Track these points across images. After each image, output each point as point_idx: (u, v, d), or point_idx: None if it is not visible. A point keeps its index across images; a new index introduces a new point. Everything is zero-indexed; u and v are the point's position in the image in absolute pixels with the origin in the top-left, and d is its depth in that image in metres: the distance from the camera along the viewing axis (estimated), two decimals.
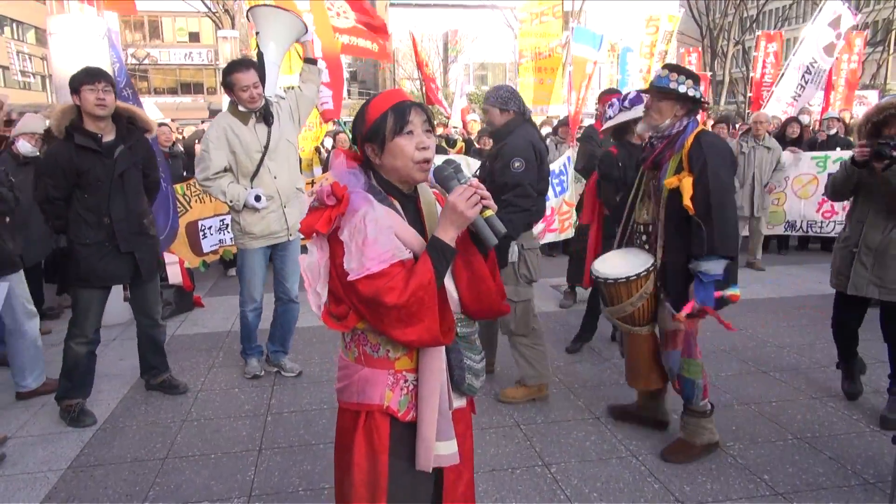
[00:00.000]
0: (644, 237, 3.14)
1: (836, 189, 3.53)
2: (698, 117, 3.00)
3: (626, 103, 4.16)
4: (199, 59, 40.24)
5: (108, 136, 3.48)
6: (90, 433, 3.45)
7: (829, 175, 7.42)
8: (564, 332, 5.07)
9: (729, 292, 2.83)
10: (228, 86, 3.80)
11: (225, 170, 3.85)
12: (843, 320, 3.78)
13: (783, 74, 9.62)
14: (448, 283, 1.68)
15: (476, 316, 1.75)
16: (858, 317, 3.72)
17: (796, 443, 3.25)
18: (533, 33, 9.80)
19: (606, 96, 5.65)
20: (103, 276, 3.51)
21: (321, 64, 6.09)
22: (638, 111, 4.08)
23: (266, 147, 3.87)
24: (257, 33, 4.28)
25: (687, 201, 2.78)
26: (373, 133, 1.63)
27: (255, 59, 4.17)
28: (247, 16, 4.73)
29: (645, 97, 4.11)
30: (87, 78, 3.33)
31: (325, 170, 7.94)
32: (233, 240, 4.12)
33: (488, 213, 1.59)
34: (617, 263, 3.16)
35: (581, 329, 4.74)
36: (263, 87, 3.88)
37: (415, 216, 1.70)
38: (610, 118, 4.26)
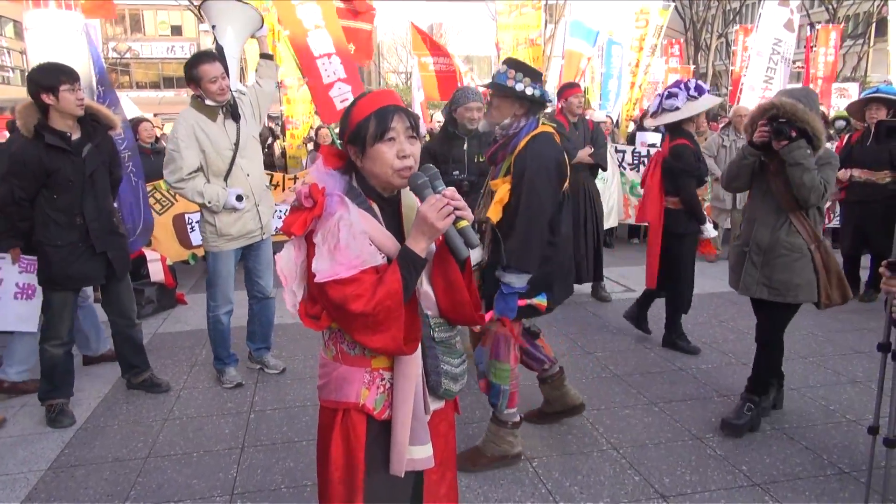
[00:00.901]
0: (479, 235, 3.02)
1: (731, 176, 3.38)
2: (539, 118, 2.85)
3: (694, 91, 4.16)
4: (181, 52, 39.74)
5: (76, 135, 3.40)
6: (71, 433, 3.43)
7: None
8: (545, 326, 5.10)
9: (535, 301, 2.76)
10: (194, 79, 3.66)
11: (197, 169, 3.69)
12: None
13: (748, 64, 9.69)
14: (428, 286, 1.67)
15: (453, 322, 1.74)
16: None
17: (774, 433, 3.30)
18: (512, 25, 9.78)
19: (567, 91, 5.67)
20: (77, 278, 3.47)
21: (335, 60, 6.04)
22: (707, 101, 4.25)
23: (237, 144, 3.77)
24: (213, 27, 4.21)
25: (493, 209, 2.72)
26: (355, 136, 1.62)
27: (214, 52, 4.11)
28: (199, 10, 4.66)
29: (705, 86, 4.32)
30: (66, 78, 3.25)
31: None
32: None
33: (462, 223, 1.58)
34: None
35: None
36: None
37: (394, 221, 1.70)
38: (677, 109, 4.16)
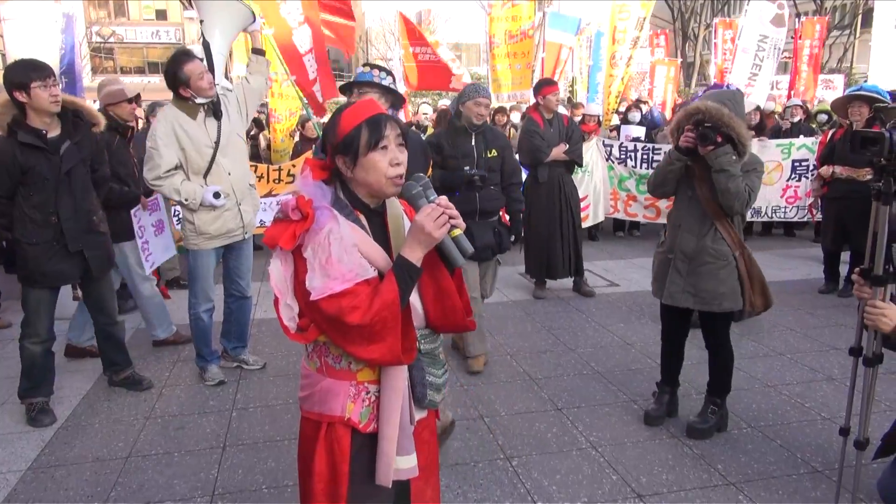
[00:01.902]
0: None
1: (657, 182, 3.34)
2: (393, 111, 3.03)
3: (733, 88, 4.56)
4: (166, 37, 39.21)
5: (54, 132, 3.35)
6: (51, 432, 3.42)
7: (793, 161, 7.64)
8: (529, 322, 5.13)
9: None
10: (182, 81, 3.63)
11: (176, 167, 3.69)
12: (666, 333, 3.52)
13: (734, 61, 9.72)
14: (413, 297, 1.67)
15: (441, 330, 1.76)
16: (682, 329, 3.48)
17: (750, 432, 3.36)
18: (504, 17, 9.73)
19: (546, 88, 5.67)
20: (52, 277, 3.44)
21: (310, 58, 5.99)
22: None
23: (217, 142, 3.75)
24: (202, 21, 4.16)
25: None
26: (345, 145, 1.61)
27: (200, 48, 4.07)
28: (190, 2, 4.64)
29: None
30: (36, 74, 3.19)
31: (294, 157, 7.84)
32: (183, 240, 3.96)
33: (456, 232, 1.59)
34: None
35: None
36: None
37: (380, 231, 1.70)
38: None
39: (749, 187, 3.06)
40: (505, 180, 4.31)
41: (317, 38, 6.32)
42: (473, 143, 4.17)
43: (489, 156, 4.19)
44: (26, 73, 3.19)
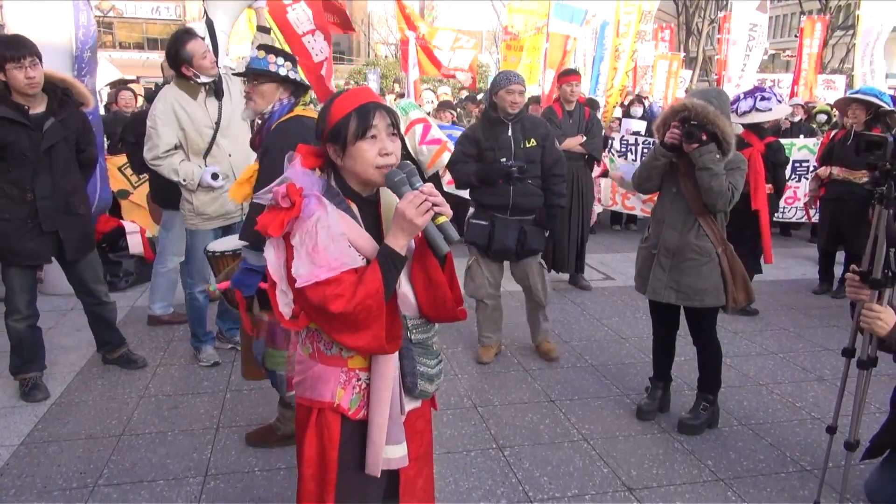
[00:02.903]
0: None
1: (642, 177, 3.33)
2: (293, 100, 2.88)
3: (779, 97, 4.97)
4: (167, 13, 38.78)
5: (38, 108, 3.31)
6: (44, 408, 3.42)
7: (793, 162, 7.64)
8: (523, 313, 5.14)
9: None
10: (185, 60, 3.59)
11: (175, 147, 3.67)
12: (656, 330, 3.55)
13: (727, 56, 9.70)
14: (406, 287, 1.67)
15: (434, 320, 1.75)
16: (671, 324, 3.49)
17: (740, 429, 3.38)
18: (523, 10, 9.68)
19: (563, 77, 5.67)
20: (22, 255, 3.37)
21: (319, 37, 5.90)
22: (781, 109, 5.09)
23: (218, 123, 3.73)
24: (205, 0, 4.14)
25: (239, 189, 2.81)
26: (335, 134, 1.60)
27: (203, 27, 4.03)
28: None
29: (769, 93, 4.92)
30: (11, 53, 3.12)
31: None
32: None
33: (442, 219, 1.58)
34: (232, 239, 3.26)
35: None
36: (215, 56, 3.74)
37: (373, 221, 1.69)
38: (770, 110, 4.82)
39: (733, 185, 3.08)
40: (545, 172, 4.01)
41: (319, 18, 6.21)
42: (510, 134, 3.96)
43: (528, 146, 3.96)
44: (1, 52, 3.13)
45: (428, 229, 1.58)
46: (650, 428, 3.37)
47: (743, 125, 4.66)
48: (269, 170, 2.60)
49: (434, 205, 1.56)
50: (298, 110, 2.83)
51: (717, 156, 3.04)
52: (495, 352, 4.22)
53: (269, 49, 2.86)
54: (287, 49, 5.93)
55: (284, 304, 1.64)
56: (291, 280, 1.57)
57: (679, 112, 3.09)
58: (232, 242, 3.15)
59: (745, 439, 3.28)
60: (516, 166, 3.85)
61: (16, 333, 3.49)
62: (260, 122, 2.93)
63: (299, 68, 2.92)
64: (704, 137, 3.01)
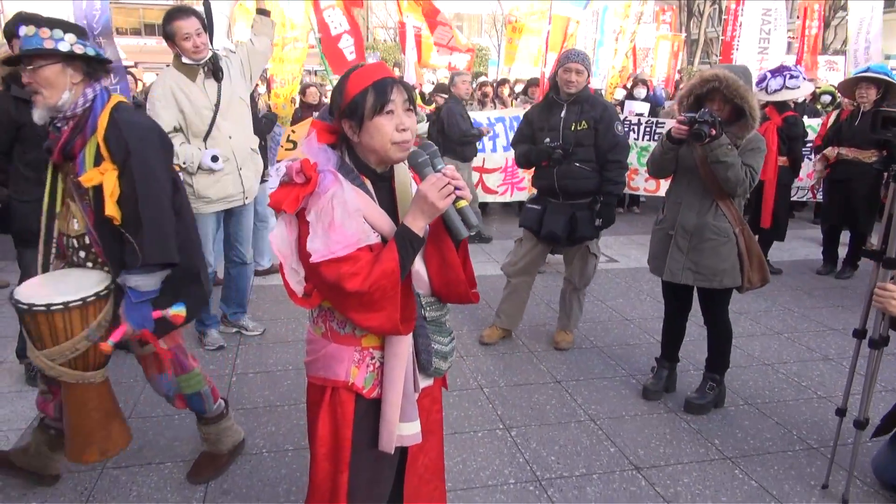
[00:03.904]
0: (83, 253, 2.38)
1: (655, 166, 3.32)
2: (106, 85, 2.32)
3: (790, 80, 5.10)
4: None
5: None
6: None
7: None
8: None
9: (172, 312, 2.30)
10: (169, 36, 3.57)
11: (175, 130, 3.63)
12: (668, 311, 3.54)
13: (738, 41, 9.60)
14: (419, 265, 1.66)
15: (446, 301, 1.74)
16: (685, 305, 3.48)
17: (747, 408, 3.39)
18: None
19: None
20: (38, 236, 3.39)
21: (338, 11, 5.87)
22: (807, 87, 5.51)
23: (217, 105, 3.68)
24: None
25: (111, 207, 2.16)
26: (351, 110, 1.58)
27: (201, 8, 3.97)
28: None
29: (795, 70, 5.21)
30: (9, 30, 3.09)
31: (294, 123, 7.75)
32: None
33: (461, 203, 1.56)
34: (57, 288, 2.28)
35: None
36: (211, 38, 3.68)
37: (387, 197, 1.67)
38: (798, 88, 5.15)
39: (750, 167, 3.03)
40: (600, 157, 3.81)
41: None
42: (563, 115, 3.83)
43: (579, 129, 3.79)
44: (11, 26, 3.11)
45: (448, 213, 1.57)
46: (656, 408, 3.37)
47: (768, 102, 4.90)
48: (144, 177, 2.19)
49: (456, 188, 1.54)
50: (116, 97, 2.30)
51: (729, 147, 2.97)
52: (500, 335, 4.21)
53: (38, 21, 2.19)
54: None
55: (296, 281, 1.62)
56: (304, 257, 1.55)
57: (708, 81, 3.03)
58: (62, 288, 2.28)
59: (751, 418, 3.28)
60: (560, 149, 3.75)
61: None
62: (63, 121, 2.27)
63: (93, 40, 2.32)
64: (713, 133, 2.93)
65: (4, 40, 3.21)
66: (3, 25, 4.85)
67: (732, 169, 2.97)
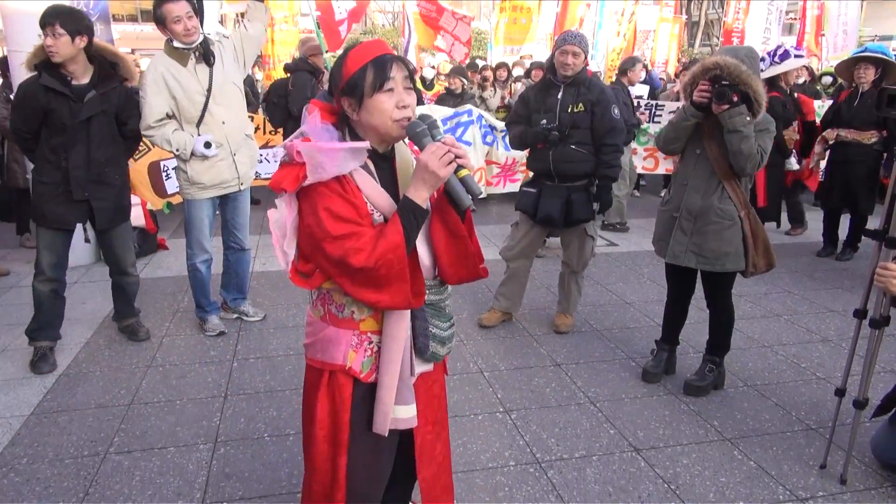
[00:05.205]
0: None
1: (668, 138, 3.24)
2: None
3: (777, 59, 5.35)
4: None
5: (82, 80, 3.39)
6: (53, 379, 3.44)
7: None
8: (528, 279, 5.14)
9: None
10: (160, 20, 3.55)
11: (168, 116, 3.63)
12: (671, 294, 3.52)
13: (743, 18, 9.56)
14: (421, 248, 1.65)
15: (454, 280, 1.71)
16: (688, 289, 3.45)
17: (746, 390, 3.40)
18: None
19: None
20: (50, 218, 3.48)
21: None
22: (791, 64, 5.48)
23: (209, 90, 3.66)
24: None
25: None
26: (350, 87, 1.56)
27: None
28: None
29: (793, 51, 5.30)
30: (44, 20, 3.21)
31: None
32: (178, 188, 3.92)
33: (463, 172, 1.54)
34: None
35: None
36: (201, 22, 3.64)
37: (389, 177, 1.66)
38: (761, 70, 5.08)
39: (761, 148, 2.99)
40: (597, 140, 3.79)
41: None
42: (560, 97, 3.80)
43: (575, 111, 3.77)
44: (41, 21, 3.24)
45: (450, 181, 1.54)
46: (656, 390, 3.39)
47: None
48: None
49: (457, 157, 1.52)
50: None
51: (748, 118, 2.93)
52: (499, 319, 4.21)
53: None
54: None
55: (284, 262, 1.62)
56: (303, 236, 1.55)
57: (710, 70, 2.97)
58: None
59: (750, 400, 3.29)
60: (556, 131, 3.73)
61: (38, 295, 3.57)
62: None
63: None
64: (736, 98, 2.89)
65: (40, 30, 3.27)
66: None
67: (746, 141, 2.92)
